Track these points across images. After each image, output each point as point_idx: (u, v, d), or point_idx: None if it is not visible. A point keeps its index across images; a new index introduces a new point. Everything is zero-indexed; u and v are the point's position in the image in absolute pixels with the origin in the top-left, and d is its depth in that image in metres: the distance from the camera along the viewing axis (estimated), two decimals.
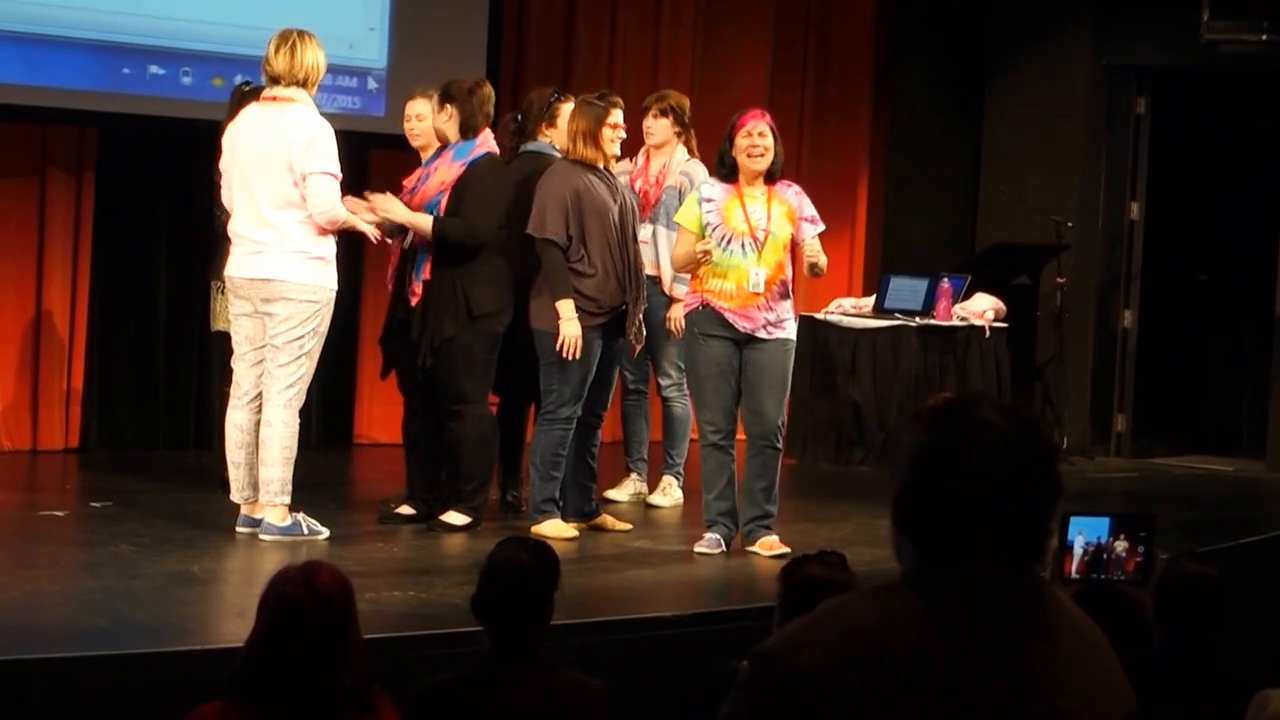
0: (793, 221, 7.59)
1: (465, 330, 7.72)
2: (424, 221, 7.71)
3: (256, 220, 7.32)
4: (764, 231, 7.50)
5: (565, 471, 7.95)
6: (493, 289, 7.79)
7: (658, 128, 8.84)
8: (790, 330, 7.71)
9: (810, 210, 7.66)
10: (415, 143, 8.01)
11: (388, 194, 7.83)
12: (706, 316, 7.54)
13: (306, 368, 7.38)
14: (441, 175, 7.79)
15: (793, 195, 7.67)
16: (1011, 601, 2.43)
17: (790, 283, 7.67)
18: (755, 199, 7.55)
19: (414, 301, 7.75)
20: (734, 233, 7.48)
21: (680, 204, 8.00)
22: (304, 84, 7.33)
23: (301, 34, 7.35)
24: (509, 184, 7.91)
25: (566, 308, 7.67)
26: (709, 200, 7.53)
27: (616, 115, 7.85)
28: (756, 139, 7.50)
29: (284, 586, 3.64)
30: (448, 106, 7.86)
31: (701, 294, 7.55)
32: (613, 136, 7.82)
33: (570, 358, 7.65)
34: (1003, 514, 2.42)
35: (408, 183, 7.91)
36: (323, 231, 7.34)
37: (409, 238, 7.82)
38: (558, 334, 7.69)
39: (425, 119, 7.93)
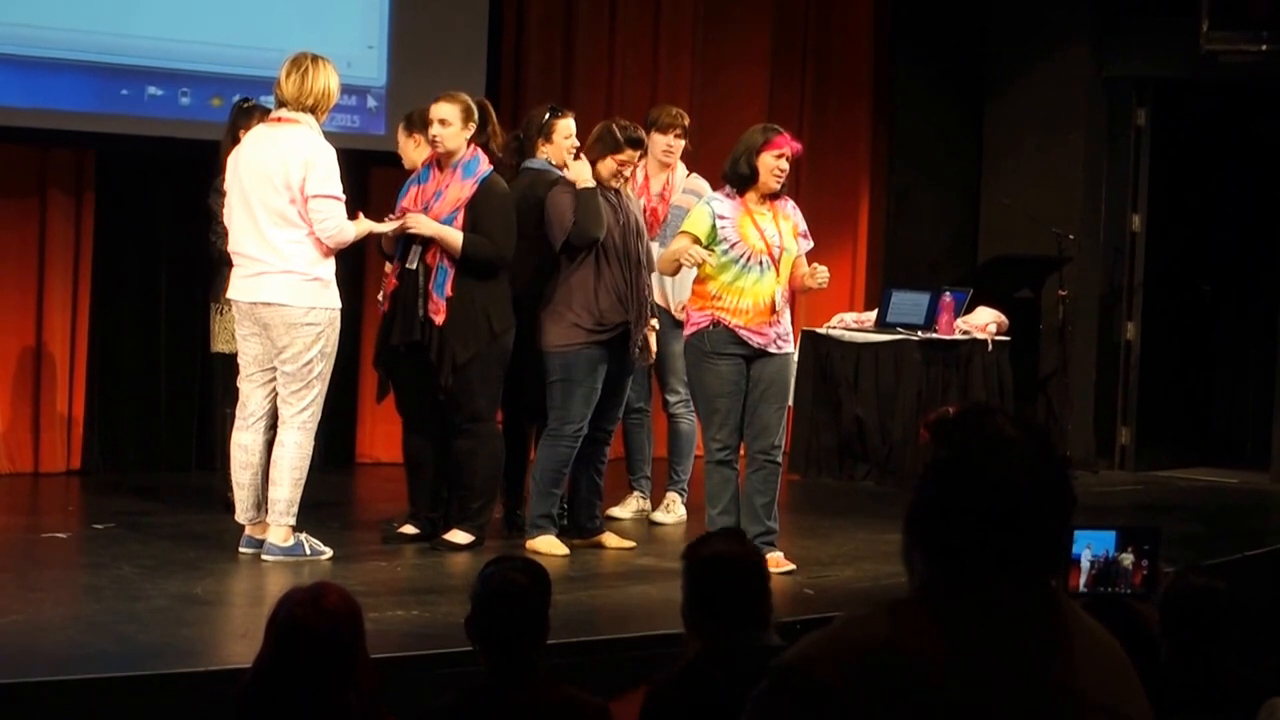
0: (795, 237, 7.64)
1: (486, 349, 7.71)
2: (455, 237, 7.68)
3: (256, 239, 7.32)
4: (779, 248, 7.52)
5: (573, 487, 7.97)
6: (505, 306, 7.80)
7: (678, 147, 8.84)
8: (792, 344, 7.78)
9: (804, 225, 7.74)
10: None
11: (414, 211, 7.79)
12: (719, 335, 7.52)
13: (318, 390, 7.38)
14: (455, 193, 7.75)
15: (792, 210, 7.71)
16: (1027, 614, 2.43)
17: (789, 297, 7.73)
18: (764, 215, 7.56)
19: (439, 320, 7.69)
20: (752, 250, 7.49)
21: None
22: (311, 109, 7.33)
23: (315, 59, 7.35)
24: (514, 202, 7.90)
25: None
26: (723, 218, 7.52)
27: (629, 154, 7.88)
28: (785, 163, 7.53)
29: (292, 607, 3.63)
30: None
31: (713, 312, 7.53)
32: (614, 170, 7.88)
33: None
34: (1019, 526, 2.42)
35: (408, 203, 7.85)
36: (327, 252, 7.34)
37: (414, 257, 7.76)
38: (561, 353, 7.71)
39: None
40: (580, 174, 7.80)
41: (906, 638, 2.38)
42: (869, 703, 2.34)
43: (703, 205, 7.67)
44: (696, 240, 7.49)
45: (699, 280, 7.63)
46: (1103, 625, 2.59)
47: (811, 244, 7.79)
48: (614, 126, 7.95)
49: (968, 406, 2.52)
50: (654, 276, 8.30)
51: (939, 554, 2.44)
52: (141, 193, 9.72)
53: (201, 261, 8.49)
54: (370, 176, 9.77)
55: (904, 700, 2.34)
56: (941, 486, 2.44)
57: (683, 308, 8.37)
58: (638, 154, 7.95)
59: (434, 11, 10.13)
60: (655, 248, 8.64)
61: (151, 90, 9.39)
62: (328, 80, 7.35)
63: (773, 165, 7.52)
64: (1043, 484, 2.43)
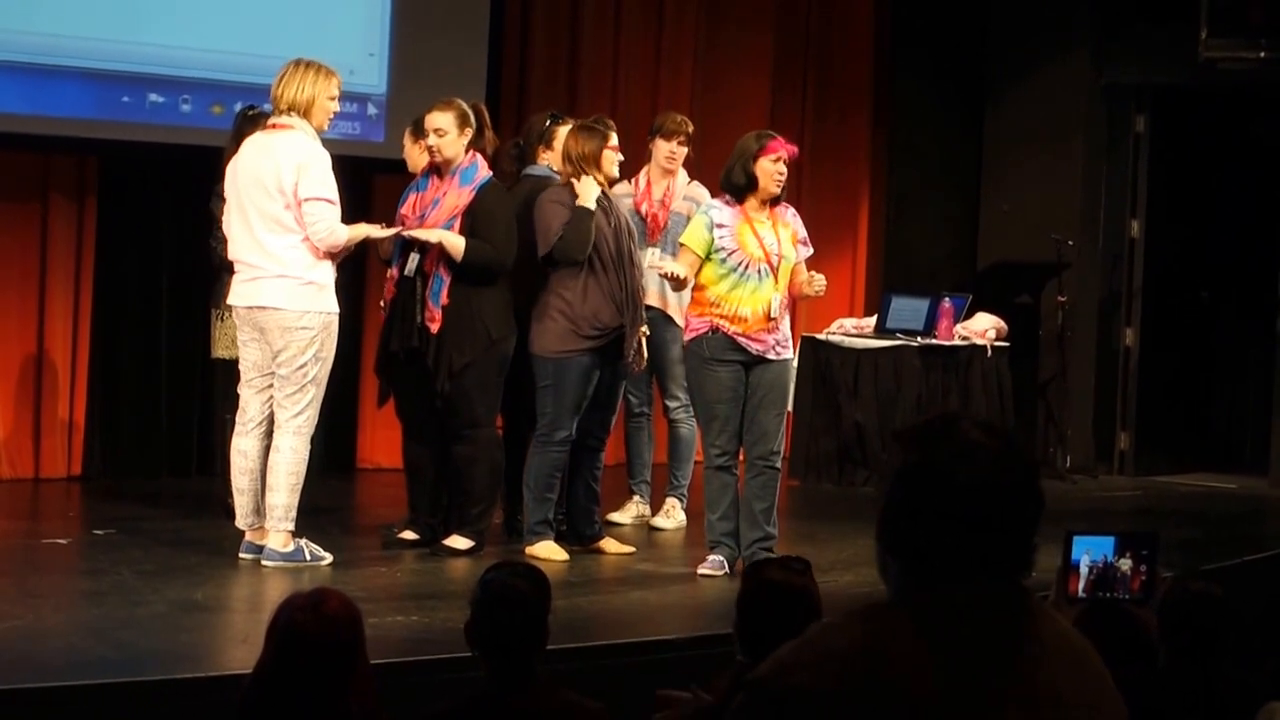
0: (794, 244, 7.64)
1: (483, 355, 7.72)
2: (458, 242, 7.68)
3: (252, 245, 7.34)
4: (778, 256, 7.53)
5: (570, 494, 7.98)
6: (504, 313, 7.80)
7: (681, 154, 8.86)
8: (791, 349, 7.77)
9: (804, 232, 7.75)
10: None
11: (413, 218, 7.81)
12: (717, 342, 7.53)
13: (314, 394, 7.38)
14: (452, 200, 7.76)
15: (792, 218, 7.71)
16: (999, 616, 2.46)
17: (788, 303, 7.72)
18: (763, 223, 7.56)
19: (434, 328, 7.70)
20: (751, 259, 7.49)
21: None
22: (305, 114, 7.34)
23: (308, 65, 7.36)
24: (514, 209, 7.92)
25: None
26: (721, 226, 7.52)
27: (615, 138, 7.89)
28: (783, 165, 7.53)
29: (292, 613, 3.63)
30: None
31: (712, 319, 7.54)
32: (614, 159, 7.88)
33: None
34: (988, 529, 2.45)
35: (407, 210, 7.87)
36: (322, 256, 7.35)
37: (412, 264, 7.77)
38: (554, 359, 7.73)
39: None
40: (586, 193, 7.77)
41: (882, 641, 2.40)
42: (848, 706, 2.36)
43: (700, 215, 7.67)
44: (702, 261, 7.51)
45: (698, 287, 7.62)
46: (1100, 630, 2.61)
47: (811, 250, 7.80)
48: (584, 125, 7.97)
49: (934, 415, 2.54)
50: (650, 280, 8.31)
51: (911, 559, 2.47)
52: (143, 199, 9.73)
53: (202, 267, 8.50)
54: (372, 184, 9.78)
55: (882, 703, 2.36)
56: (910, 492, 2.47)
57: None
58: (614, 132, 7.95)
59: (435, 19, 10.14)
60: (656, 253, 8.66)
61: (153, 97, 9.40)
62: (315, 85, 7.35)
63: (771, 170, 7.52)
64: (1011, 486, 2.46)
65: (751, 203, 7.56)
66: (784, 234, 7.60)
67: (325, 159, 7.35)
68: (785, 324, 7.68)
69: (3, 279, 9.38)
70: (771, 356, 7.57)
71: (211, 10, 9.49)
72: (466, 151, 7.81)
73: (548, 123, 8.31)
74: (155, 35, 9.37)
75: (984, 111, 12.42)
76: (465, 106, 7.84)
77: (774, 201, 7.62)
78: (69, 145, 9.35)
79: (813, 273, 7.72)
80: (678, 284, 7.61)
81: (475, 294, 7.72)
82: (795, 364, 8.58)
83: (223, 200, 7.71)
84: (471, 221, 7.72)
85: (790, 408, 7.94)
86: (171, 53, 9.39)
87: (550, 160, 8.19)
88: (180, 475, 9.77)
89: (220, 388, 8.45)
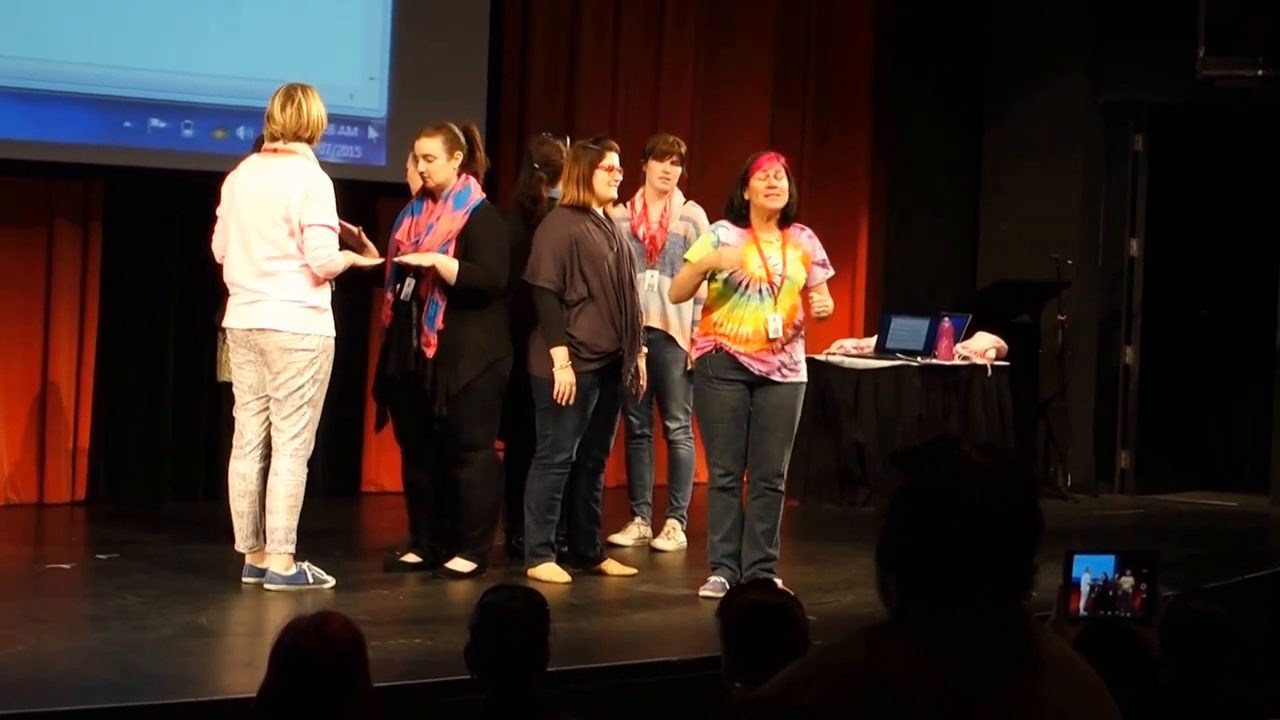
0: (807, 266, 7.61)
1: (480, 378, 7.73)
2: (451, 265, 7.70)
3: (252, 270, 7.35)
4: (780, 276, 7.52)
5: (570, 516, 7.97)
6: (500, 335, 7.81)
7: (674, 174, 8.86)
8: (803, 373, 7.69)
9: (822, 254, 7.70)
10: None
11: (407, 242, 7.82)
12: (720, 360, 7.54)
13: (310, 416, 7.39)
14: (446, 225, 7.78)
15: (806, 239, 7.68)
16: (998, 636, 2.46)
17: (802, 326, 7.68)
18: (771, 244, 7.56)
19: (430, 353, 7.71)
20: (750, 278, 7.50)
21: (685, 250, 8.03)
22: (309, 139, 7.37)
23: (305, 89, 7.39)
24: (508, 230, 7.92)
25: (560, 355, 7.69)
26: (726, 245, 7.53)
27: (612, 158, 7.86)
28: (773, 179, 7.53)
29: (296, 636, 3.64)
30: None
31: (715, 338, 7.55)
32: (608, 179, 7.84)
33: (565, 403, 7.68)
34: (988, 550, 2.46)
35: (401, 236, 7.88)
36: (319, 281, 7.36)
37: (407, 289, 7.78)
38: (554, 380, 7.72)
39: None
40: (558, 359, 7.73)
41: (884, 659, 2.41)
42: None
43: (708, 233, 7.70)
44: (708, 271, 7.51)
45: (705, 309, 7.65)
46: (1102, 649, 2.62)
47: (831, 272, 7.73)
48: (581, 144, 7.96)
49: (934, 437, 2.55)
50: (651, 301, 8.31)
51: (911, 579, 2.48)
52: (147, 223, 9.74)
53: (207, 291, 8.50)
54: (375, 207, 9.78)
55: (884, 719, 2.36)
56: (910, 512, 2.47)
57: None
58: (615, 152, 7.93)
59: (435, 43, 10.16)
60: (655, 275, 8.68)
61: (155, 122, 9.41)
62: (320, 109, 7.41)
63: (760, 187, 7.53)
64: (1010, 507, 2.47)
65: (758, 223, 7.56)
66: (793, 255, 7.58)
67: (329, 185, 7.38)
68: (798, 347, 7.62)
69: (8, 303, 9.38)
70: (777, 378, 7.55)
71: (213, 36, 9.51)
72: (459, 175, 7.82)
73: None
74: (157, 61, 9.39)
75: (983, 131, 12.45)
76: (455, 130, 7.84)
77: (786, 222, 7.62)
78: (71, 171, 9.36)
79: (817, 296, 7.67)
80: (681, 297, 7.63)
81: (470, 317, 7.73)
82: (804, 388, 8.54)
83: None
84: (465, 245, 7.73)
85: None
86: (173, 78, 9.41)
87: None
88: (185, 499, 9.76)
89: (226, 411, 8.43)
